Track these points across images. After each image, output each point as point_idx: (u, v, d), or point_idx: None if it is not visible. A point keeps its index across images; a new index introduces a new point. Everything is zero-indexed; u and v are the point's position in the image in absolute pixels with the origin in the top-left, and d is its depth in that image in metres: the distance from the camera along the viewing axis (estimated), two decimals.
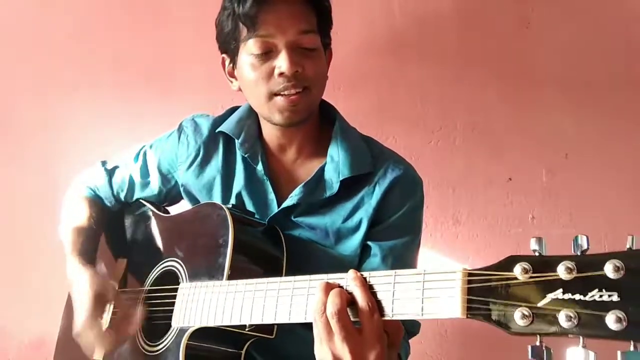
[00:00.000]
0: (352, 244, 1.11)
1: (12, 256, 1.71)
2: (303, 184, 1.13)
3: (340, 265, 1.09)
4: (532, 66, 1.65)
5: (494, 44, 1.67)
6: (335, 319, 0.74)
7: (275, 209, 1.14)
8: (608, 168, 1.60)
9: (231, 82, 1.17)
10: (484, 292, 0.65)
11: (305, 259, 1.08)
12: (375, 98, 1.68)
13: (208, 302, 0.95)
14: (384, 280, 0.75)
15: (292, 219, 1.13)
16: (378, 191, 1.12)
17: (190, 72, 1.71)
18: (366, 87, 1.68)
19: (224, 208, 1.04)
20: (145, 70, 1.73)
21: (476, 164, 1.64)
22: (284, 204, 1.13)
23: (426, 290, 0.70)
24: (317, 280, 0.81)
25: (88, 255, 1.20)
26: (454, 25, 1.67)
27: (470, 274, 0.67)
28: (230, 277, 0.96)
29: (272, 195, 1.15)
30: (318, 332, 0.78)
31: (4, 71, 1.76)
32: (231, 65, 1.15)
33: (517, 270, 0.63)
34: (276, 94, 1.06)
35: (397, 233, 1.11)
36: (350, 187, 1.12)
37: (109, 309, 1.12)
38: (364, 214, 1.11)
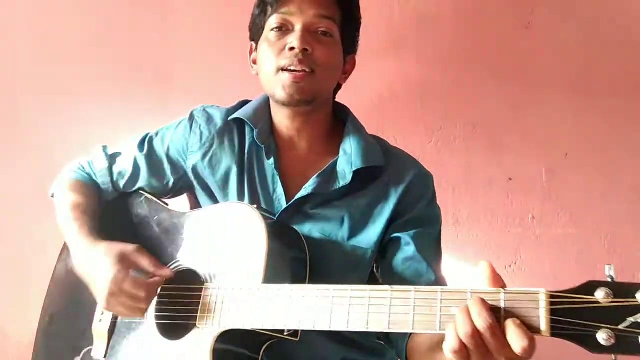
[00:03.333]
0: (367, 240, 1.12)
1: (12, 256, 1.71)
2: (317, 174, 1.13)
3: (354, 259, 1.11)
4: (532, 66, 1.65)
5: (494, 44, 1.67)
6: (489, 333, 0.71)
7: (284, 203, 1.14)
8: (608, 168, 1.60)
9: (252, 67, 1.22)
10: (568, 313, 0.70)
11: (319, 254, 1.08)
12: (375, 98, 1.68)
13: (244, 305, 0.93)
14: (455, 297, 0.76)
15: (308, 211, 1.13)
16: (394, 193, 1.13)
17: (192, 72, 1.70)
18: (366, 87, 1.68)
19: (253, 208, 1.03)
20: (146, 70, 1.73)
21: (476, 164, 1.64)
22: (299, 195, 1.12)
23: (507, 309, 0.73)
24: (380, 291, 0.81)
25: (95, 230, 1.15)
26: (454, 26, 1.67)
27: (552, 296, 0.71)
28: (265, 280, 0.95)
29: (281, 190, 1.15)
30: (464, 356, 0.73)
31: (4, 71, 1.76)
32: (256, 51, 1.20)
33: (600, 295, 0.69)
34: (283, 69, 1.10)
35: (422, 223, 1.13)
36: (363, 180, 1.13)
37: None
38: (380, 211, 1.13)
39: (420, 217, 1.14)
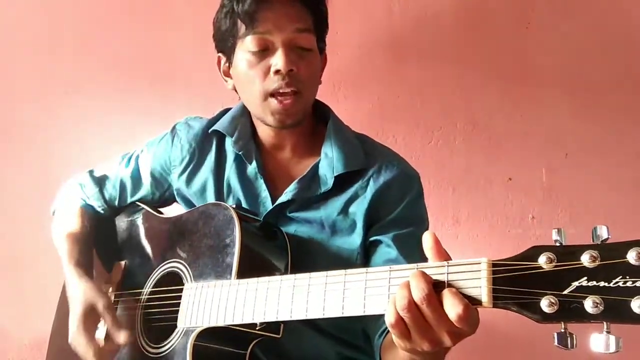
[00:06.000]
0: (350, 240, 1.11)
1: (11, 256, 1.71)
2: (297, 179, 1.14)
3: (340, 259, 1.10)
4: (532, 66, 1.65)
5: (494, 43, 1.66)
6: (425, 304, 0.69)
7: (269, 206, 1.15)
8: (608, 168, 1.60)
9: (226, 81, 1.19)
10: (510, 282, 0.66)
11: (306, 255, 1.08)
12: (375, 98, 1.68)
13: (217, 302, 0.94)
14: (404, 274, 0.74)
15: (287, 214, 1.14)
16: (372, 186, 1.12)
17: (192, 73, 1.71)
18: (366, 87, 1.68)
19: (229, 208, 1.04)
20: (146, 71, 1.73)
21: (476, 164, 1.64)
22: (279, 200, 1.13)
23: (451, 282, 0.70)
24: (335, 276, 0.80)
25: (85, 265, 1.21)
26: (454, 25, 1.67)
27: (494, 264, 0.68)
28: (238, 276, 0.95)
29: (265, 193, 1.16)
30: (401, 331, 0.72)
31: (4, 71, 1.76)
32: (227, 64, 1.17)
33: (542, 260, 0.65)
34: (271, 95, 1.08)
35: (404, 224, 1.11)
36: (344, 183, 1.13)
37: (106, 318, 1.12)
38: (357, 208, 1.11)
39: (402, 217, 1.11)
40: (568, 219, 1.60)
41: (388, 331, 0.97)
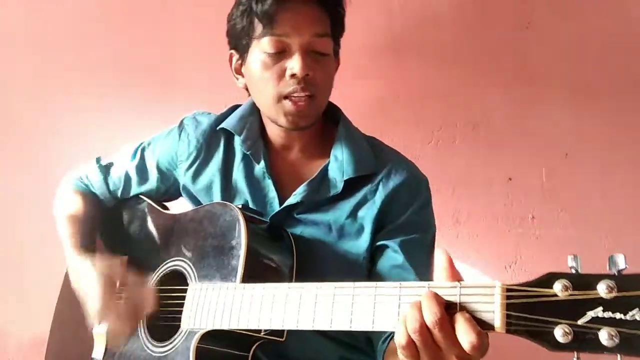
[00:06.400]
0: (357, 244, 1.10)
1: (11, 256, 1.71)
2: (307, 182, 1.13)
3: (346, 262, 1.09)
4: (532, 66, 1.65)
5: (494, 44, 1.67)
6: (437, 328, 0.68)
7: (276, 206, 1.14)
8: (608, 168, 1.60)
9: (237, 78, 1.18)
10: (524, 308, 0.65)
11: (311, 257, 1.08)
12: (375, 98, 1.68)
13: (222, 305, 0.94)
14: (415, 292, 0.72)
15: (295, 216, 1.13)
16: (382, 191, 1.12)
17: (192, 72, 1.71)
18: (366, 87, 1.68)
19: (235, 208, 1.03)
20: (147, 70, 1.73)
21: (476, 164, 1.64)
22: (287, 202, 1.12)
23: (463, 304, 0.69)
24: (344, 288, 0.79)
25: (87, 246, 1.20)
26: (454, 25, 1.68)
27: (508, 289, 0.67)
28: (243, 280, 0.95)
29: (273, 193, 1.15)
30: (412, 353, 0.71)
31: (4, 71, 1.76)
32: (239, 62, 1.15)
33: (557, 287, 0.63)
34: (285, 97, 1.07)
35: (411, 229, 1.10)
36: (353, 186, 1.12)
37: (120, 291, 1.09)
38: (367, 212, 1.11)
39: (410, 223, 1.11)
40: (568, 219, 1.60)
41: (392, 337, 0.98)
